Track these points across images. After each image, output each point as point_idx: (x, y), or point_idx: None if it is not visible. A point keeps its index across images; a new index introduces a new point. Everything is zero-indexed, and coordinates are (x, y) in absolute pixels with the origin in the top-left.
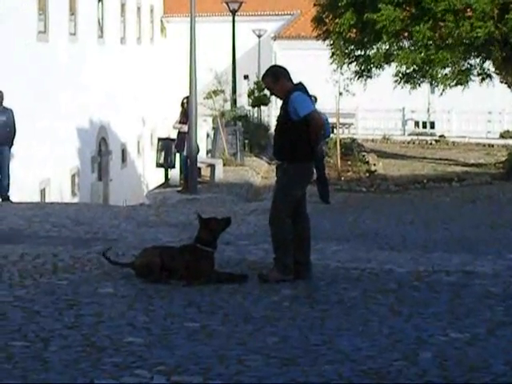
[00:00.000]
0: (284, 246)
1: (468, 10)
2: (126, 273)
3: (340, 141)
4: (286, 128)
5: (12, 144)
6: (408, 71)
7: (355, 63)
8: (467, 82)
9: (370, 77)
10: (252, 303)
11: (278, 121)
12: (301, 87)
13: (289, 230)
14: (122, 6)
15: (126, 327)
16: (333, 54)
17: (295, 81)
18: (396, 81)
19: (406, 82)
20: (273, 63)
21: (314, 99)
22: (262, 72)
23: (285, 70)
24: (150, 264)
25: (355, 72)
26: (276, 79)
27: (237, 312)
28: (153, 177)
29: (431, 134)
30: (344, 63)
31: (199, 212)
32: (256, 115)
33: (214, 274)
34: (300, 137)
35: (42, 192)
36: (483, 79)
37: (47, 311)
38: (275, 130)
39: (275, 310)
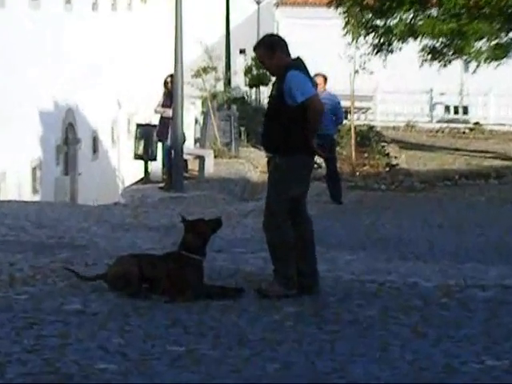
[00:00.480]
0: (284, 255)
1: None
2: (97, 286)
3: (355, 128)
4: (279, 113)
5: None
6: (436, 45)
7: (373, 35)
8: (505, 57)
9: (391, 51)
10: (248, 323)
11: (269, 103)
12: (299, 64)
13: (287, 235)
14: None
15: (97, 351)
16: (347, 23)
17: (298, 55)
18: (422, 57)
19: (434, 58)
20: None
21: (315, 82)
22: None
23: (282, 40)
24: (126, 275)
25: (373, 46)
26: (271, 52)
27: (230, 333)
28: (130, 170)
29: (464, 121)
30: (360, 35)
31: (184, 213)
32: (254, 97)
33: (203, 287)
34: (295, 124)
35: None
36: None
37: (3, 331)
38: (265, 115)
39: (276, 332)
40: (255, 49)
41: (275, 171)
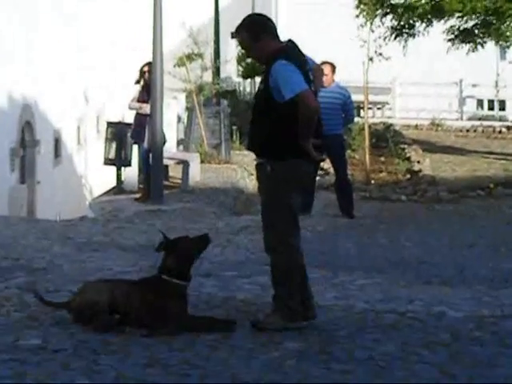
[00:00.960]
0: (288, 281)
1: None
2: (59, 317)
3: (369, 127)
4: (267, 110)
5: None
6: (466, 26)
7: (391, 15)
8: None
9: (413, 35)
10: (242, 361)
11: (255, 99)
12: (290, 49)
13: (298, 254)
14: None
15: None
16: (360, 2)
17: (290, 38)
18: (449, 40)
19: (464, 41)
20: (272, 15)
21: (319, 70)
22: None
23: (269, 20)
24: (93, 304)
25: (391, 28)
26: (254, 35)
27: (220, 374)
28: (99, 178)
29: (501, 119)
30: (376, 15)
31: (164, 230)
32: (249, 90)
33: (188, 318)
34: (286, 123)
35: None
36: None
37: None
38: (252, 113)
39: (275, 372)
40: (236, 32)
41: (268, 180)
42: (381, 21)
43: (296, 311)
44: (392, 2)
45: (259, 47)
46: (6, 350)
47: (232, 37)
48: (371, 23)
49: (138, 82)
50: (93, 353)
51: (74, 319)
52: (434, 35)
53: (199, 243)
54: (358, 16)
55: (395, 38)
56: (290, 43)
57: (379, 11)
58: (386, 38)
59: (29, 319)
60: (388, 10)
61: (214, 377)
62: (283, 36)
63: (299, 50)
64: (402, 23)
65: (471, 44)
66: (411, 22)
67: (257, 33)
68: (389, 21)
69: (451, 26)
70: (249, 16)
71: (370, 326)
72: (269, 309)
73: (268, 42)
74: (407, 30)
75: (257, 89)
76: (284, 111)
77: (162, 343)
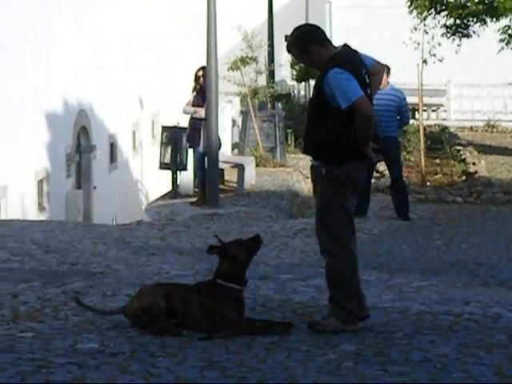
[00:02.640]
0: (346, 283)
1: None
2: (117, 321)
3: (424, 129)
4: (323, 115)
5: None
6: None
7: (445, 15)
8: None
9: (468, 36)
10: (299, 364)
11: (310, 104)
12: (345, 55)
13: (354, 257)
14: None
15: None
16: (412, 1)
17: (345, 42)
18: (503, 40)
19: None
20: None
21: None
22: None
23: (316, 30)
24: (151, 308)
25: (445, 27)
26: (305, 51)
27: (277, 376)
28: (155, 183)
29: None
30: (429, 14)
31: (220, 233)
32: (303, 93)
33: (245, 321)
34: (343, 127)
35: None
36: None
37: (5, 376)
38: (308, 116)
39: (332, 374)
40: (287, 47)
41: (324, 183)
42: (434, 17)
43: (353, 314)
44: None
45: (311, 59)
46: (64, 353)
47: (286, 39)
48: (424, 24)
49: (194, 89)
50: (151, 356)
51: (131, 323)
52: (488, 36)
53: (251, 245)
54: (410, 12)
55: (449, 38)
56: (345, 48)
57: (432, 9)
58: (441, 36)
59: (86, 323)
60: (442, 8)
61: (271, 379)
62: (336, 38)
63: (355, 52)
64: (456, 22)
65: None
66: (465, 21)
67: (305, 46)
68: (443, 19)
69: (505, 26)
70: (295, 31)
71: (427, 327)
72: (325, 311)
73: (320, 52)
74: (461, 30)
75: (311, 94)
76: (339, 117)
77: (219, 346)
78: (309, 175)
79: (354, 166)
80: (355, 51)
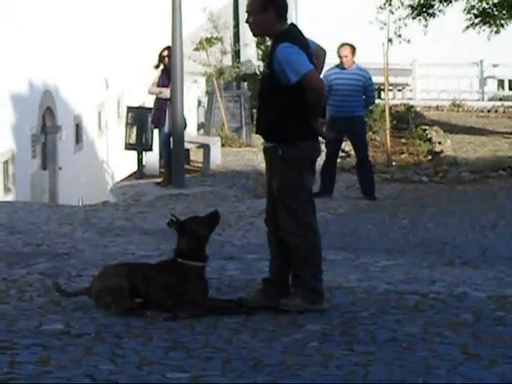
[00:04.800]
0: (312, 263)
1: None
2: (82, 302)
3: (390, 109)
4: (274, 94)
5: None
6: (486, 6)
7: None
8: None
9: (433, 15)
10: (264, 344)
11: (261, 83)
12: (292, 32)
13: (318, 238)
14: None
15: (83, 380)
16: None
17: (292, 22)
18: (468, 19)
19: (484, 22)
20: None
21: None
22: None
23: (283, 1)
24: (115, 288)
25: (411, 8)
26: (263, 5)
27: (242, 357)
28: (120, 163)
29: None
30: None
31: (186, 213)
32: None
33: (209, 301)
34: (296, 106)
35: None
36: None
37: None
38: (259, 97)
39: (298, 354)
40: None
41: (282, 164)
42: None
43: (319, 293)
44: None
45: (261, 19)
46: (29, 335)
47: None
48: (390, 3)
49: (157, 66)
50: (116, 337)
51: (96, 304)
52: (454, 15)
53: (209, 222)
54: None
55: (415, 18)
56: (292, 26)
57: None
58: (406, 17)
59: (51, 304)
60: None
61: (236, 360)
62: (302, 17)
63: (301, 33)
64: (420, 3)
65: (492, 27)
66: (430, 2)
67: (266, 3)
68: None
69: (469, 7)
70: None
71: (393, 307)
72: (291, 291)
73: (272, 19)
74: (426, 10)
75: (262, 72)
76: (290, 96)
77: (184, 327)
78: None
79: (308, 144)
80: (301, 33)
